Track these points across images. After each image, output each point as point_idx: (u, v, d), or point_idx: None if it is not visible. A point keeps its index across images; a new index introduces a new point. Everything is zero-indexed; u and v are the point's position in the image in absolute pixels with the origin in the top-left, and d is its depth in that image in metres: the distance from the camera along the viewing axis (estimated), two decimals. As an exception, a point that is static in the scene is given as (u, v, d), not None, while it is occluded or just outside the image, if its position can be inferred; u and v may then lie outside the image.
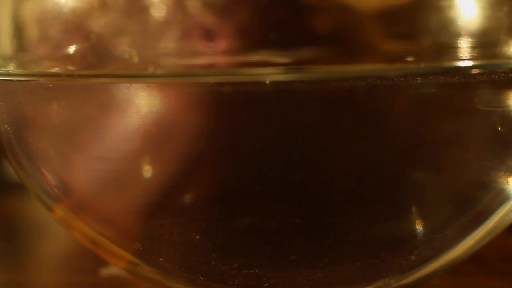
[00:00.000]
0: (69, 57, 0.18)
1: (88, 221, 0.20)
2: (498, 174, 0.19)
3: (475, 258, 0.20)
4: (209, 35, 0.17)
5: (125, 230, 0.20)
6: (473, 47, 0.18)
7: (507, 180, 0.19)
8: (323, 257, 0.19)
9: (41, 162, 0.20)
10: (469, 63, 0.18)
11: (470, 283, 0.24)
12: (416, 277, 0.19)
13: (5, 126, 0.20)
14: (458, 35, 0.18)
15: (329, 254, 0.18)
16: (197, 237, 0.19)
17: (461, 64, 0.18)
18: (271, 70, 0.17)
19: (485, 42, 0.18)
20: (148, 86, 0.18)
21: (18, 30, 0.20)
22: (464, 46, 0.18)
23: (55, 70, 0.19)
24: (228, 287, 0.20)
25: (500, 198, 0.19)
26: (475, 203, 0.19)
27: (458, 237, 0.19)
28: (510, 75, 0.17)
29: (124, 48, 0.18)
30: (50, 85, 0.18)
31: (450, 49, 0.18)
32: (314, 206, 0.18)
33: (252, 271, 0.19)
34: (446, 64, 0.18)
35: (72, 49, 0.18)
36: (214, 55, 0.17)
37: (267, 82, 0.17)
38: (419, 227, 0.18)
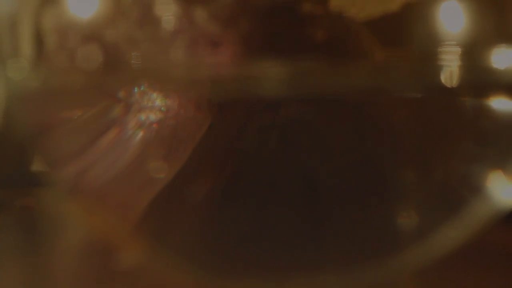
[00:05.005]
0: (86, 65, 0.19)
1: (106, 212, 0.21)
2: (476, 173, 0.20)
3: (458, 252, 0.21)
4: (212, 44, 0.18)
5: (141, 221, 0.21)
6: (459, 56, 0.19)
7: (485, 178, 0.20)
8: (320, 248, 0.20)
9: (63, 158, 0.21)
10: (455, 74, 0.18)
11: (455, 275, 0.24)
12: (401, 267, 0.21)
13: (31, 127, 0.21)
14: (445, 44, 0.19)
15: (325, 243, 0.20)
16: (207, 229, 0.20)
17: (445, 74, 0.18)
18: (270, 79, 0.18)
19: (470, 52, 0.19)
20: (157, 93, 0.19)
21: (39, 39, 0.20)
22: (450, 55, 0.19)
23: (73, 78, 0.20)
24: (236, 276, 0.21)
25: (478, 193, 0.20)
26: (455, 198, 0.20)
27: (440, 229, 0.20)
28: (489, 85, 0.18)
29: (136, 56, 0.19)
30: (69, 92, 0.20)
31: (436, 58, 0.18)
32: (314, 201, 0.19)
33: (254, 259, 0.20)
34: (432, 74, 0.19)
35: (89, 57, 0.19)
36: (217, 64, 0.18)
37: (267, 90, 0.18)
38: (404, 220, 0.20)
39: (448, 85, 0.18)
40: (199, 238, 0.20)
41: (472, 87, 0.19)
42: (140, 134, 0.19)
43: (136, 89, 0.19)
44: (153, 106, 0.19)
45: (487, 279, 0.24)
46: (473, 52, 0.19)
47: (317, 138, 0.19)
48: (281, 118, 0.18)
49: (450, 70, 0.18)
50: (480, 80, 0.19)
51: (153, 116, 0.19)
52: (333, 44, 0.19)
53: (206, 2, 0.19)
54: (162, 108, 0.19)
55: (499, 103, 0.19)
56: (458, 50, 0.19)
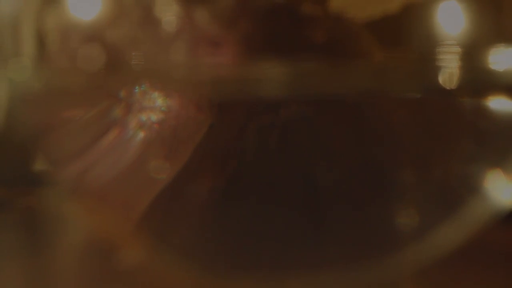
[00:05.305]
0: (88, 66, 0.20)
1: (107, 211, 0.22)
2: (476, 173, 0.20)
3: (458, 252, 0.21)
4: (213, 45, 0.18)
5: (142, 220, 0.21)
6: (458, 57, 0.19)
7: (485, 178, 0.20)
8: (321, 248, 0.20)
9: (65, 158, 0.22)
10: (454, 75, 0.19)
11: (455, 275, 0.24)
12: (401, 267, 0.21)
13: (33, 127, 0.22)
14: (444, 45, 0.19)
15: (325, 243, 0.20)
16: (208, 229, 0.20)
17: (444, 75, 0.19)
18: (270, 80, 0.18)
19: (470, 53, 0.19)
20: (158, 93, 0.19)
21: (41, 40, 0.21)
22: (450, 56, 0.19)
23: (75, 79, 0.20)
24: (236, 276, 0.21)
25: (477, 193, 0.20)
26: (455, 198, 0.20)
27: (440, 229, 0.20)
28: (489, 86, 0.19)
29: (137, 57, 0.19)
30: (71, 92, 0.20)
31: (436, 59, 0.19)
32: (314, 201, 0.19)
33: (254, 258, 0.20)
34: (432, 74, 0.19)
35: (90, 58, 0.20)
36: (218, 65, 0.19)
37: (267, 91, 0.18)
38: (403, 219, 0.20)
39: (448, 85, 0.19)
40: (199, 238, 0.20)
41: (472, 88, 0.19)
42: (141, 134, 0.20)
43: (137, 89, 0.19)
44: (154, 106, 0.19)
45: (487, 279, 0.24)
46: (472, 53, 0.19)
47: (317, 138, 0.19)
48: (281, 119, 0.19)
49: (450, 71, 0.19)
50: (479, 81, 0.19)
51: (154, 116, 0.19)
52: (333, 45, 0.19)
53: (207, 3, 0.19)
54: (163, 108, 0.19)
55: (498, 104, 0.19)
56: (458, 50, 0.19)
